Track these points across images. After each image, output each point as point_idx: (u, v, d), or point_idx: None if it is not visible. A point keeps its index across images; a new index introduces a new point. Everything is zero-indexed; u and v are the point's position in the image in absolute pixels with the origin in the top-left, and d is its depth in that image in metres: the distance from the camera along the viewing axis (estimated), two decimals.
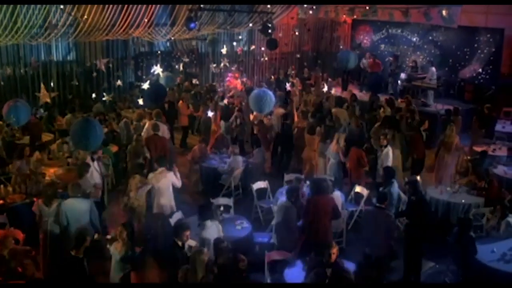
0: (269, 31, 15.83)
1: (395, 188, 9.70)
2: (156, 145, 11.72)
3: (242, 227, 8.85)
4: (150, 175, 9.56)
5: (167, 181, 9.45)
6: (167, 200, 9.43)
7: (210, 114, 13.78)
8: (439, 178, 12.64)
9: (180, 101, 15.73)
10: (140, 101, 14.29)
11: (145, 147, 11.65)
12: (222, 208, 9.25)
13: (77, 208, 8.07)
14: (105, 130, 13.36)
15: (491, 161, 12.67)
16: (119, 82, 16.69)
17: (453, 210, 10.27)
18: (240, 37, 21.33)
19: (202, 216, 8.05)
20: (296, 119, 13.81)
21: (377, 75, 17.32)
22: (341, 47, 21.94)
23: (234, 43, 20.99)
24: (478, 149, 13.66)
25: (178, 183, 9.63)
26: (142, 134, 12.57)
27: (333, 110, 15.07)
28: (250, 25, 18.16)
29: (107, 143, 12.23)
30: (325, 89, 16.94)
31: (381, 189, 9.59)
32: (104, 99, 14.74)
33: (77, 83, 16.95)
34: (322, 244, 7.42)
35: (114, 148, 12.53)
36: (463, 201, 10.31)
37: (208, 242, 7.56)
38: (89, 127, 7.44)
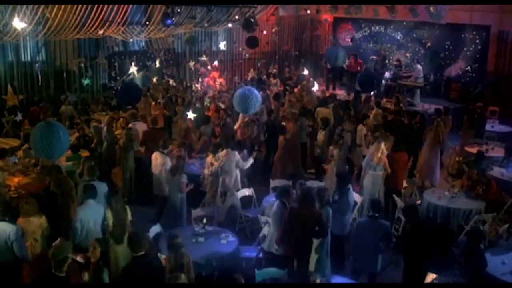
0: (252, 26, 14.94)
1: (352, 195, 8.81)
2: (154, 138, 11.22)
3: (228, 241, 7.96)
4: (218, 155, 10.11)
5: (231, 161, 9.99)
6: (231, 179, 10.02)
7: (190, 116, 12.87)
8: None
9: (153, 102, 14.79)
10: (114, 102, 13.37)
11: (135, 141, 11.43)
12: (204, 220, 8.37)
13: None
14: (76, 134, 12.57)
15: (487, 163, 12.04)
16: (87, 81, 15.64)
17: (453, 216, 9.58)
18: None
19: (86, 195, 7.79)
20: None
21: (368, 73, 16.63)
22: (334, 44, 21.21)
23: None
24: (470, 149, 13.09)
25: (243, 164, 10.17)
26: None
27: (318, 109, 14.37)
28: (230, 25, 17.29)
29: (77, 148, 11.38)
30: (315, 87, 16.19)
31: (336, 197, 8.57)
32: (68, 99, 13.72)
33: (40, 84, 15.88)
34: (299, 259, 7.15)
35: (85, 154, 11.55)
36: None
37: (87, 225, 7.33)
38: (51, 132, 6.47)
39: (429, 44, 19.18)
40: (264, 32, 21.09)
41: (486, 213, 9.50)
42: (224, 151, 10.13)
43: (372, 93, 16.60)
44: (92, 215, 7.62)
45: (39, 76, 15.40)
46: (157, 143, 11.18)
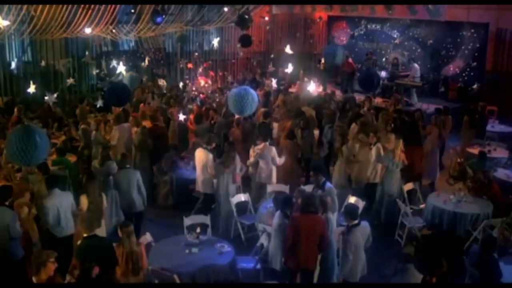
0: (246, 24, 14.35)
1: (332, 191, 8.37)
2: (158, 135, 11.55)
3: (223, 251, 7.44)
4: (256, 147, 10.17)
5: (266, 155, 10.01)
6: (266, 173, 10.10)
7: (182, 117, 12.37)
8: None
9: (141, 104, 14.25)
10: (100, 103, 12.81)
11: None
12: (198, 230, 7.83)
13: (128, 178, 8.72)
14: (63, 137, 12.04)
15: (490, 164, 11.61)
16: (71, 80, 15.04)
17: (460, 222, 9.10)
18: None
19: (50, 186, 7.86)
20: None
21: (369, 72, 16.19)
22: (333, 42, 20.77)
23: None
24: (472, 150, 12.65)
25: (278, 160, 10.10)
26: (113, 142, 11.47)
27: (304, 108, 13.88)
28: (225, 9, 16.58)
29: (64, 152, 10.81)
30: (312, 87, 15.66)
31: (318, 191, 8.13)
32: (46, 98, 13.13)
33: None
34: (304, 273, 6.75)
35: (72, 158, 10.99)
36: None
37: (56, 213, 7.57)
38: (27, 136, 5.88)
39: (431, 41, 18.73)
40: (266, 18, 20.64)
41: (494, 218, 9.05)
42: (262, 144, 10.12)
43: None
44: (59, 203, 7.72)
45: (20, 76, 14.77)
46: (161, 139, 11.44)
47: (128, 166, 9.02)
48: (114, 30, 15.80)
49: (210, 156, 9.62)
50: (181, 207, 10.18)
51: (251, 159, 10.31)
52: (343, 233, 7.30)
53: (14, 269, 7.14)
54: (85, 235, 6.58)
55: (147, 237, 7.74)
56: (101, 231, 7.88)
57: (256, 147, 10.22)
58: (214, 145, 9.92)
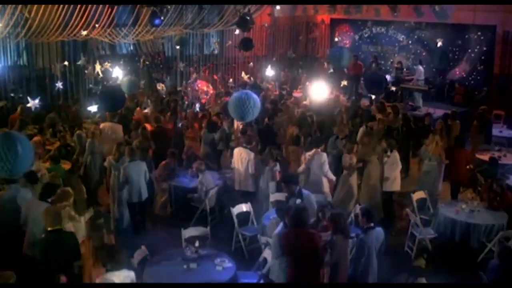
0: (248, 25, 13.89)
1: (311, 199, 7.99)
2: (162, 136, 11.60)
3: (224, 267, 6.94)
4: (307, 153, 9.93)
5: (314, 162, 9.72)
6: (317, 177, 9.75)
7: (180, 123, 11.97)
8: None
9: (138, 108, 13.84)
10: (94, 108, 12.39)
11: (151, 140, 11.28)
12: (197, 244, 7.34)
13: (137, 169, 9.38)
14: (57, 144, 11.59)
15: (502, 171, 11.15)
16: (59, 84, 14.62)
17: (474, 233, 8.63)
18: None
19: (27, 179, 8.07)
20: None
21: (376, 75, 15.71)
22: (338, 45, 20.38)
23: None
24: (481, 156, 12.20)
25: (327, 171, 9.80)
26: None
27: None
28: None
29: (58, 159, 10.37)
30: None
31: (297, 200, 7.73)
32: (28, 105, 12.68)
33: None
34: None
35: (66, 166, 10.53)
36: None
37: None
38: (7, 145, 5.39)
39: (439, 43, 18.29)
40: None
41: (508, 229, 8.60)
42: (314, 150, 9.83)
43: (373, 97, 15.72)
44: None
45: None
46: (165, 141, 11.39)
47: (135, 159, 9.46)
48: (111, 33, 15.37)
49: (252, 154, 9.83)
50: (180, 217, 9.73)
51: (303, 165, 9.97)
52: (357, 235, 7.07)
53: None
54: (49, 228, 6.44)
55: (143, 250, 7.30)
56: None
57: (308, 153, 9.93)
58: (254, 144, 9.97)
